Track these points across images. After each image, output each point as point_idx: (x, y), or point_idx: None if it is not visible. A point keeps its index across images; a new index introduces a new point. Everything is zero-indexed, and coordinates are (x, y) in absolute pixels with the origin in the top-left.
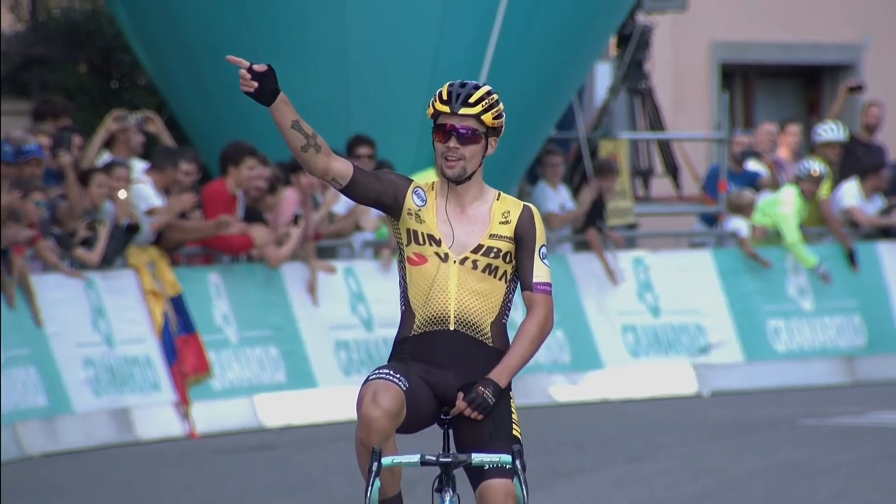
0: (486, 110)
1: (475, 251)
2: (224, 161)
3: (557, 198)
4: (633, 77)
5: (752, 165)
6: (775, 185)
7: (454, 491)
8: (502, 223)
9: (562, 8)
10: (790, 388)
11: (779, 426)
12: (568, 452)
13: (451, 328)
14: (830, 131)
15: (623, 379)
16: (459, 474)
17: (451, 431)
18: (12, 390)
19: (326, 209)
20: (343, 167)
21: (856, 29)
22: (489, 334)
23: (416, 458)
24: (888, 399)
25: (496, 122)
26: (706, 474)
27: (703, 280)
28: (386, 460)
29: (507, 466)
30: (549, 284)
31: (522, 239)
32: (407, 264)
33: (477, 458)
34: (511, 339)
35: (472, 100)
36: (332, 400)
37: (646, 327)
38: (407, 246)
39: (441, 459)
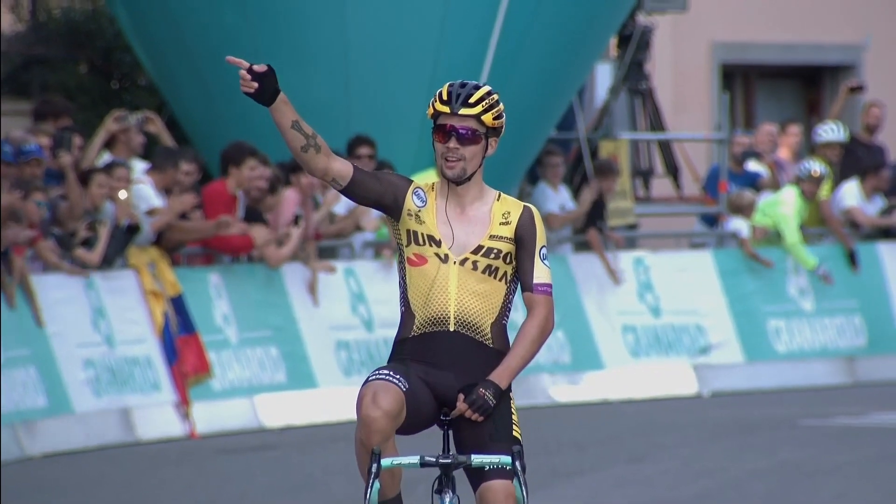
0: (486, 110)
1: (475, 252)
2: (225, 161)
3: (558, 198)
4: (633, 77)
5: (753, 166)
6: (776, 186)
7: (454, 492)
8: (502, 224)
9: (562, 8)
10: (791, 388)
11: (779, 426)
12: (568, 453)
13: (451, 329)
14: (831, 132)
15: (623, 379)
16: (459, 475)
17: (450, 432)
18: (12, 390)
19: (327, 209)
20: (343, 168)
21: (856, 29)
22: (489, 335)
23: (415, 459)
24: (889, 399)
25: (496, 122)
26: (707, 475)
27: (704, 280)
28: (386, 461)
29: (507, 467)
30: (549, 285)
31: (523, 240)
32: (407, 265)
33: (477, 459)
34: (511, 340)
35: (472, 100)
36: (333, 400)
37: (646, 328)
38: (407, 247)
39: (441, 461)
